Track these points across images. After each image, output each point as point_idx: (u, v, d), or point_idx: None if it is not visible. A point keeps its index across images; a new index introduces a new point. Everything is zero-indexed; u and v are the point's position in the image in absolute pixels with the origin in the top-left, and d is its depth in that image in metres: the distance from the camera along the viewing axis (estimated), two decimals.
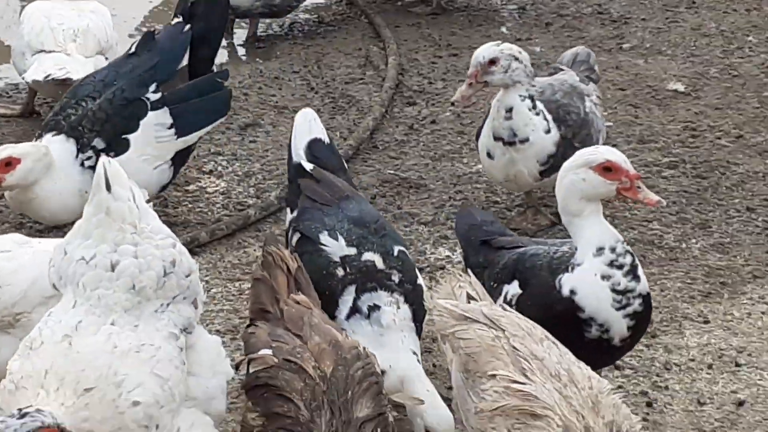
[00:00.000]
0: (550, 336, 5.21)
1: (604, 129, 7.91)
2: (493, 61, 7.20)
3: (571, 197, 5.82)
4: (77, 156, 6.71)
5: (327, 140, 6.65)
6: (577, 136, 7.58)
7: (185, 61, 7.26)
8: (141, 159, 6.71)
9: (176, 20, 7.53)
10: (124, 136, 6.72)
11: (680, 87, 9.54)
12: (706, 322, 6.98)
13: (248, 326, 5.75)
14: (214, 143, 8.60)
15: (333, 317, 5.88)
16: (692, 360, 6.65)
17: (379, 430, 5.21)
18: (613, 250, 5.75)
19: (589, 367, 5.09)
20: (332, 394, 5.20)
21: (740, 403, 6.35)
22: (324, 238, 6.10)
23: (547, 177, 7.42)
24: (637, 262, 5.83)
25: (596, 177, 5.72)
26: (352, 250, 6.04)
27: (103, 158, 5.24)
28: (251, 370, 5.41)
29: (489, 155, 7.54)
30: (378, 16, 10.49)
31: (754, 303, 7.16)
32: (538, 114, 7.46)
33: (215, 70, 7.68)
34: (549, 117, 7.50)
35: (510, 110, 7.30)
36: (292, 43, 10.19)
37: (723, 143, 8.77)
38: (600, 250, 5.74)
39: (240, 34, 10.57)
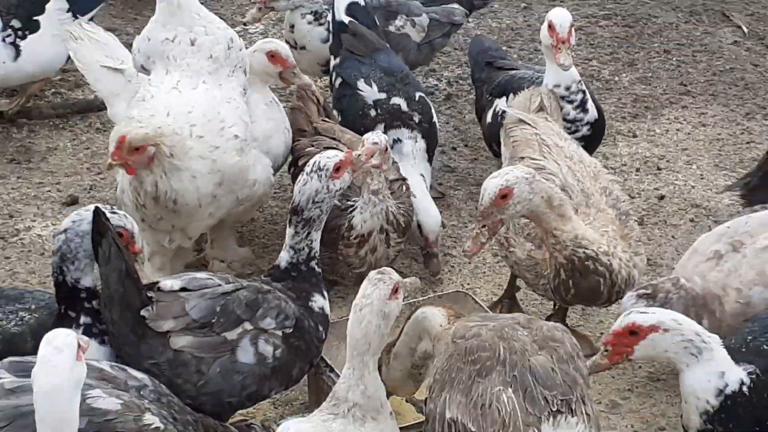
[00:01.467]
0: (573, 140, 5.35)
1: (412, 50, 6.90)
2: None
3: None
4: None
5: (362, 2, 6.43)
6: None
7: None
8: (51, 35, 6.39)
9: None
10: (34, 18, 6.36)
11: None
12: (634, 136, 7.08)
13: (292, 142, 5.80)
14: None
15: None
16: (624, 165, 6.77)
17: (404, 187, 5.43)
18: (567, 88, 5.71)
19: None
20: None
21: (661, 197, 6.47)
22: (361, 84, 6.03)
23: None
24: (588, 97, 5.81)
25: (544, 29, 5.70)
26: (383, 95, 5.97)
27: None
28: (300, 164, 5.45)
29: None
30: None
31: (671, 122, 7.23)
32: (321, 25, 6.68)
33: None
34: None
35: (292, 26, 6.64)
36: None
37: (646, 1, 8.75)
38: (556, 87, 5.71)
39: None
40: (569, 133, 5.67)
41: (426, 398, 4.01)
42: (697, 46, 8.12)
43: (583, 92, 5.79)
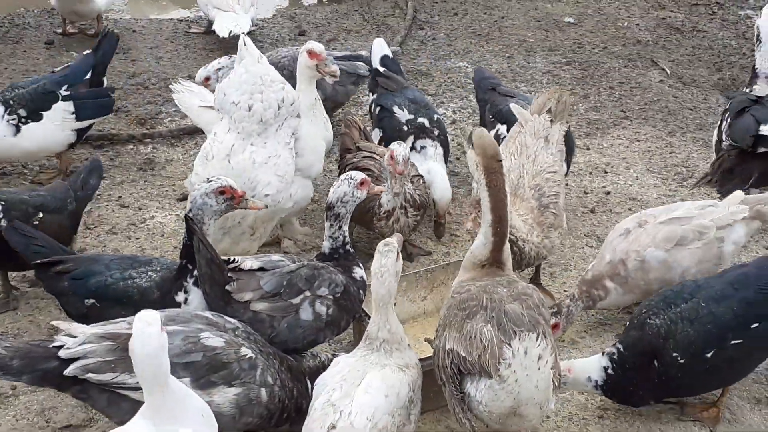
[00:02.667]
0: (552, 137, 5.18)
1: (327, 88, 6.42)
2: (207, 78, 6.20)
3: None
4: (3, 116, 5.85)
5: (390, 55, 6.49)
6: None
7: (89, 75, 6.22)
8: (54, 125, 5.97)
9: (87, 52, 6.46)
10: (40, 112, 5.97)
11: (572, 20, 9.40)
12: (588, 149, 7.02)
13: (341, 158, 5.80)
14: None
15: None
16: (580, 170, 6.70)
17: (422, 181, 5.48)
18: None
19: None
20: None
21: (607, 193, 6.42)
22: (396, 109, 6.00)
23: None
24: None
25: None
26: (412, 116, 5.96)
27: (243, 36, 5.08)
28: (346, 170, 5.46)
29: None
30: None
31: (614, 138, 7.18)
32: None
33: (106, 86, 6.43)
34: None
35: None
36: None
37: (596, 51, 8.68)
38: None
39: None
40: None
41: (434, 338, 4.01)
42: (633, 84, 8.05)
43: None
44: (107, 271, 4.28)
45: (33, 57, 8.02)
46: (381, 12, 9.29)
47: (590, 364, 4.28)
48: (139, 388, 3.61)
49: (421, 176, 5.53)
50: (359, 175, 4.40)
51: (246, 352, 3.80)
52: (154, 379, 3.24)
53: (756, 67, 6.35)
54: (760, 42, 6.37)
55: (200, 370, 3.62)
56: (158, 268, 4.31)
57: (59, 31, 8.46)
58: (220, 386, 3.70)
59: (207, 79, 6.21)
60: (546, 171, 5.03)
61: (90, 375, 3.64)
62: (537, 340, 3.50)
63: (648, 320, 4.21)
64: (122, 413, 3.71)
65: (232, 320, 3.97)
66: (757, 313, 4.12)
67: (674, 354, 4.11)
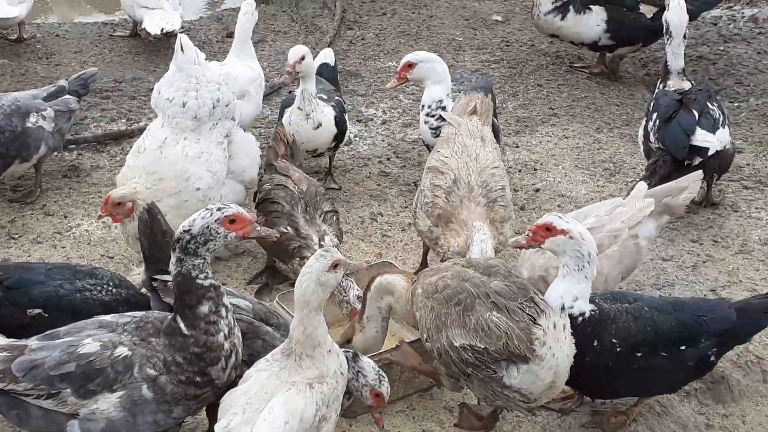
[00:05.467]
0: (486, 137, 5.18)
1: (49, 138, 5.95)
2: None
3: None
4: None
5: (332, 63, 6.50)
6: (11, 147, 5.79)
7: None
8: None
9: None
10: None
11: (499, 18, 9.43)
12: (517, 146, 7.04)
13: (263, 173, 5.49)
14: None
15: None
16: (510, 167, 6.69)
17: (335, 218, 5.13)
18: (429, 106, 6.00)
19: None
20: (306, 198, 5.07)
21: (537, 190, 6.45)
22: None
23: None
24: None
25: None
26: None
27: (181, 35, 5.15)
28: (258, 196, 5.30)
29: None
30: None
31: (543, 136, 7.21)
32: None
33: None
34: None
35: None
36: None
37: (524, 49, 8.72)
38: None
39: None
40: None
41: (423, 340, 4.05)
42: (561, 81, 8.11)
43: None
44: (51, 280, 4.18)
45: None
46: (309, 12, 9.23)
47: (585, 295, 4.05)
48: (33, 395, 3.59)
49: (335, 212, 5.17)
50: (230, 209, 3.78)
51: (121, 351, 3.63)
52: None
53: (668, 63, 6.31)
54: (671, 37, 6.30)
55: (76, 380, 3.55)
56: (111, 282, 4.24)
57: None
58: (102, 393, 3.59)
59: None
60: (489, 167, 5.03)
61: None
62: (559, 311, 3.81)
63: (598, 301, 4.14)
64: (33, 426, 3.65)
65: (130, 314, 3.82)
66: (688, 337, 4.15)
67: (614, 340, 4.07)
